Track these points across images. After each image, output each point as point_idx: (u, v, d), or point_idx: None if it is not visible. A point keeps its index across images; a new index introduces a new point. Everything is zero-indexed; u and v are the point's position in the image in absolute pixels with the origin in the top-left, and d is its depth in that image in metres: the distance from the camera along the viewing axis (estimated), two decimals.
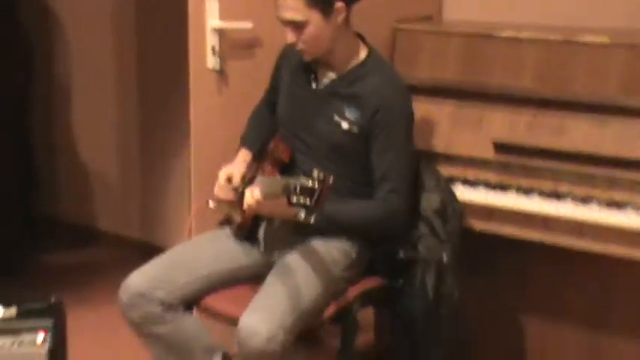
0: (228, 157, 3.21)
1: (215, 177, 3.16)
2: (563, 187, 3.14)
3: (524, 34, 3.35)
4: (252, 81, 3.43)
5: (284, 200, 2.64)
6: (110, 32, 5.21)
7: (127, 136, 5.24)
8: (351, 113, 2.96)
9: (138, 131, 5.18)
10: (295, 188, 2.51)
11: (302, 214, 2.54)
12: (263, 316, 2.67)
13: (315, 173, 2.50)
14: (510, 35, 3.37)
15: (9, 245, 4.85)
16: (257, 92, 3.37)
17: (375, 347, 3.60)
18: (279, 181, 2.71)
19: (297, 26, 2.89)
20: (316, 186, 2.48)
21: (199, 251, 3.04)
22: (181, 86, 4.66)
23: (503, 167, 3.26)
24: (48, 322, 2.92)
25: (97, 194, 5.46)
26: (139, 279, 2.91)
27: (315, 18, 2.87)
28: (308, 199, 2.49)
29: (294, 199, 2.51)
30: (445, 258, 2.98)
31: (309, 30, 2.89)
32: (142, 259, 4.80)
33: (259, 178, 2.93)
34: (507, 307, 3.49)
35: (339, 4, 2.89)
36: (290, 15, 2.88)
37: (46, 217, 5.45)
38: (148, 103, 5.11)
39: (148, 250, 4.90)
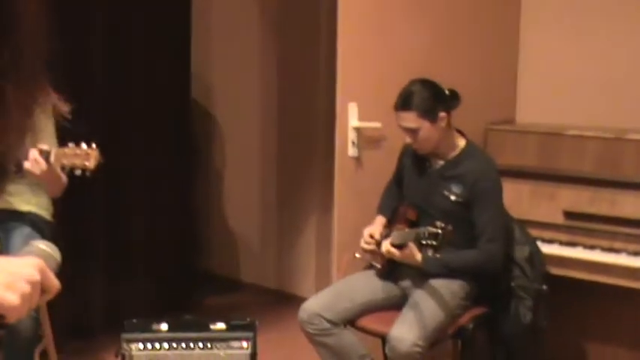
0: (364, 222, 3.51)
1: (353, 238, 3.51)
2: (618, 245, 3.44)
3: (586, 133, 3.67)
4: (380, 165, 3.69)
5: (412, 246, 3.10)
6: (257, 130, 5.54)
7: (267, 210, 5.52)
8: (456, 188, 3.28)
9: (275, 206, 5.46)
10: (424, 234, 2.95)
11: (430, 252, 2.98)
12: (409, 328, 3.06)
13: (438, 223, 2.93)
14: (575, 133, 3.70)
15: (178, 291, 5.13)
16: (384, 173, 3.63)
17: None
18: (410, 231, 3.14)
19: (413, 131, 3.26)
20: (440, 231, 2.91)
21: (357, 285, 3.39)
22: (313, 170, 5.19)
23: (572, 230, 3.56)
24: (249, 334, 3.30)
25: (241, 253, 5.72)
26: (315, 303, 3.29)
27: (425, 125, 3.23)
28: (434, 241, 2.92)
29: (424, 242, 2.95)
30: (543, 287, 3.30)
31: (421, 134, 3.25)
32: (276, 304, 5.19)
33: (393, 233, 3.32)
34: (576, 335, 3.73)
35: (442, 114, 3.25)
36: (406, 124, 3.26)
37: (203, 270, 5.67)
38: (284, 184, 5.40)
39: (282, 297, 5.37)
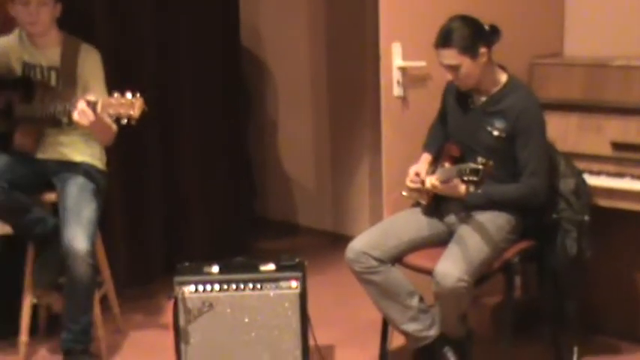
0: (411, 161, 3.51)
1: (401, 177, 3.49)
2: None
3: (632, 62, 3.58)
4: (426, 104, 3.67)
5: (457, 182, 3.10)
6: (307, 74, 5.56)
7: (320, 152, 5.57)
8: (499, 124, 3.27)
9: (329, 149, 5.50)
10: (466, 170, 2.95)
11: (472, 188, 2.99)
12: (453, 263, 3.07)
13: (479, 159, 2.94)
14: (621, 64, 3.61)
15: (236, 236, 5.16)
16: (430, 112, 3.62)
17: (523, 299, 3.89)
18: (453, 168, 3.16)
19: (454, 69, 3.24)
20: (480, 167, 2.91)
21: (403, 223, 3.39)
22: (363, 111, 5.19)
23: (620, 161, 3.50)
24: (298, 274, 3.33)
25: (297, 197, 5.80)
26: (362, 242, 3.30)
27: (465, 62, 3.21)
28: (475, 177, 2.92)
29: (466, 178, 2.96)
30: (585, 218, 3.28)
31: (462, 70, 3.23)
32: (333, 246, 5.24)
33: (438, 170, 3.34)
34: (621, 265, 3.69)
35: (483, 49, 3.22)
36: (447, 61, 3.23)
37: (259, 215, 5.80)
38: (336, 126, 5.44)
39: (338, 239, 5.40)
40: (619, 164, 3.52)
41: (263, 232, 5.57)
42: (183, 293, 3.32)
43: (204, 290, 3.32)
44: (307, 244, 5.43)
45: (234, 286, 3.32)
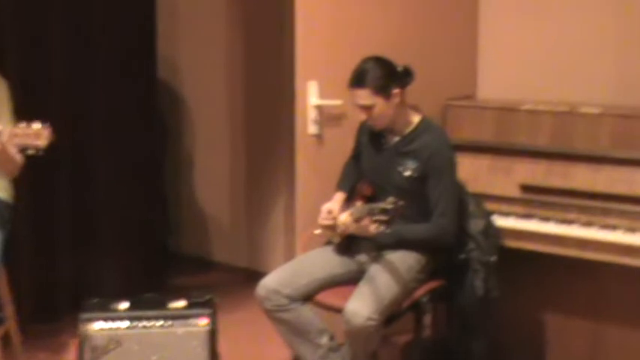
0: (325, 199, 3.49)
1: (315, 214, 3.46)
2: (572, 216, 3.44)
3: (540, 107, 3.69)
4: (342, 142, 3.68)
5: (367, 221, 3.10)
6: (225, 110, 5.54)
7: (235, 189, 5.54)
8: (411, 164, 3.30)
9: (244, 185, 5.48)
10: (376, 209, 2.98)
11: (382, 227, 3.01)
12: (363, 302, 3.07)
13: (390, 199, 2.97)
14: (529, 108, 3.71)
15: (149, 272, 5.03)
16: (345, 150, 3.63)
17: (433, 338, 3.88)
18: (364, 207, 3.17)
19: (367, 108, 3.28)
20: (390, 207, 2.94)
21: (315, 261, 3.40)
22: (280, 149, 5.18)
23: (528, 203, 3.57)
24: (208, 311, 3.29)
25: (211, 233, 5.75)
26: (273, 279, 3.29)
27: (379, 102, 3.26)
28: (385, 216, 2.95)
29: (376, 217, 2.99)
30: (493, 259, 3.33)
31: (376, 110, 3.27)
32: (247, 283, 5.17)
33: (349, 209, 3.34)
34: (528, 305, 3.76)
35: (396, 90, 3.28)
36: (361, 101, 3.27)
37: (174, 251, 5.71)
38: (252, 164, 5.42)
39: (252, 276, 5.33)
40: (527, 206, 3.58)
41: (177, 268, 5.47)
42: (88, 330, 3.23)
43: (111, 327, 3.24)
44: (221, 280, 5.36)
45: (142, 323, 3.26)
